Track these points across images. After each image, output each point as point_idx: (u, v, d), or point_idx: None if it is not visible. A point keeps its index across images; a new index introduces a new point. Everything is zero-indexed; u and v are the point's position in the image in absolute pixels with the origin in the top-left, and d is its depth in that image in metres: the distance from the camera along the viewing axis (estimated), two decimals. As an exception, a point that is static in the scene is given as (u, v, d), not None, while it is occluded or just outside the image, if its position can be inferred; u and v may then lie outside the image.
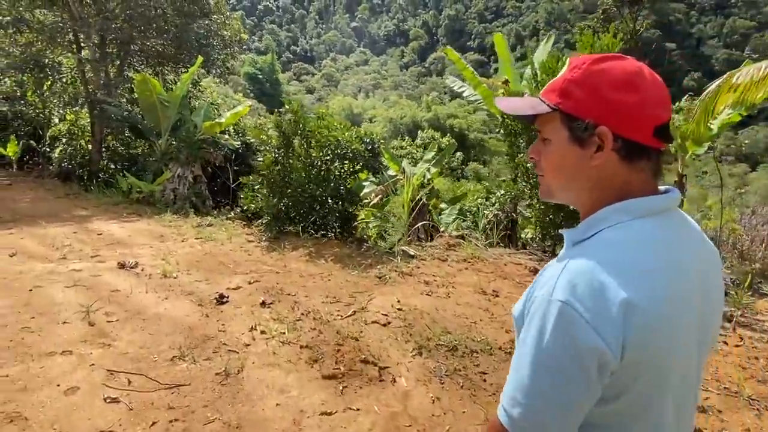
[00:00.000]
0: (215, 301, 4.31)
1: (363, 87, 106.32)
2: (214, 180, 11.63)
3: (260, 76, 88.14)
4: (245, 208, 8.03)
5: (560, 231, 0.91)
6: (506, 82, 8.90)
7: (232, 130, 12.07)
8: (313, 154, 7.03)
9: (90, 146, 14.06)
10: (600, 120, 0.79)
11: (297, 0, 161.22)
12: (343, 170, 7.09)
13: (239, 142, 11.88)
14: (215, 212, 10.58)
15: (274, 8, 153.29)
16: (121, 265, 5.08)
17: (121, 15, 12.01)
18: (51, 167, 14.27)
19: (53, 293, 4.22)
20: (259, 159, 8.17)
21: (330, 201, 6.97)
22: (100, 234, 6.48)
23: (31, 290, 4.25)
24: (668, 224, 0.81)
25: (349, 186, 6.97)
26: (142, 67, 13.48)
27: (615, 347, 0.69)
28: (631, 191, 0.80)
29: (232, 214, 8.81)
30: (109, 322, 3.73)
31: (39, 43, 13.09)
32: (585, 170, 0.82)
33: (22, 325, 3.56)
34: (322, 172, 6.98)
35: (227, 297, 4.39)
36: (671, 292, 0.75)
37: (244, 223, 7.94)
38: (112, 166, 13.64)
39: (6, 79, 14.99)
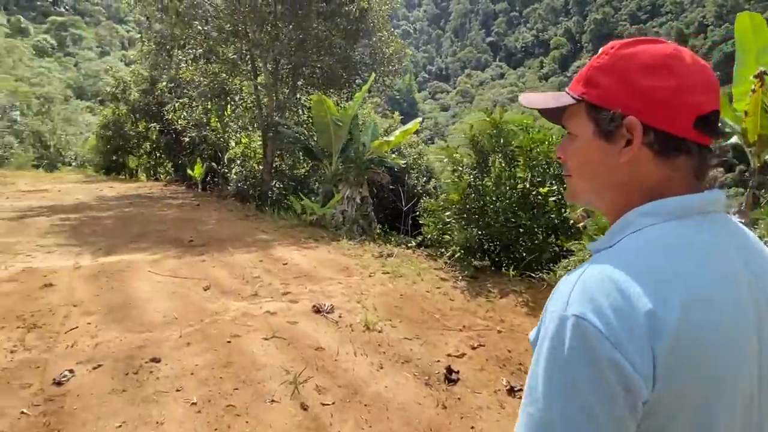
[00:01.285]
0: (444, 378, 3.19)
1: (499, 101, 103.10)
2: (378, 201, 11.03)
3: (398, 96, 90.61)
4: (427, 236, 7.02)
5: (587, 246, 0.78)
6: (763, 74, 6.65)
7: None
8: (519, 175, 5.72)
9: (261, 167, 14.71)
10: (629, 110, 0.66)
11: (434, 21, 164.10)
12: (554, 195, 5.66)
13: (404, 161, 11.16)
14: (381, 235, 9.91)
15: (411, 31, 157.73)
16: (317, 309, 4.29)
17: (295, 38, 12.17)
18: (229, 187, 15.23)
19: (252, 348, 3.50)
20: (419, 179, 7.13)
21: (540, 232, 5.58)
22: (285, 264, 5.93)
23: (229, 342, 3.59)
24: (708, 227, 0.65)
25: (565, 214, 5.51)
26: (311, 89, 13.58)
27: (642, 367, 0.55)
28: (665, 193, 0.66)
29: (413, 243, 7.89)
30: (324, 405, 2.81)
31: (223, 72, 14.01)
32: (613, 168, 0.69)
33: (226, 400, 2.80)
34: (531, 197, 5.63)
35: (456, 373, 3.25)
36: (714, 301, 0.60)
37: (427, 253, 6.92)
38: (279, 185, 14.03)
39: (197, 108, 16.43)
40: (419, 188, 11.72)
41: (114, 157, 19.09)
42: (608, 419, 0.56)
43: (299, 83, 13.69)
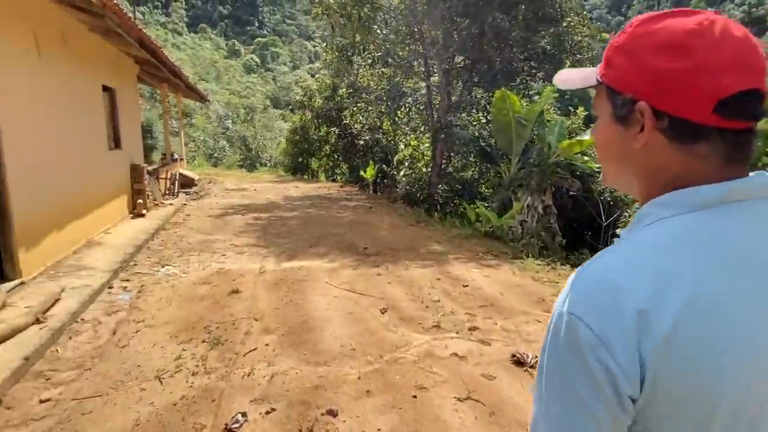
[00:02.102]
0: None
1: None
2: (559, 211, 9.51)
3: (575, 90, 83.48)
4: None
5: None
6: None
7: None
8: None
9: (429, 170, 14.27)
10: (640, 94, 0.61)
11: (614, 7, 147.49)
12: None
13: (598, 165, 9.43)
14: (566, 251, 8.45)
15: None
16: (517, 360, 3.34)
17: (472, 32, 11.30)
18: (398, 189, 15.16)
19: (444, 414, 2.71)
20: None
21: None
22: (466, 286, 5.10)
23: (414, 397, 2.87)
24: (736, 219, 0.58)
25: None
26: (487, 86, 12.55)
27: (628, 367, 0.54)
28: (688, 182, 0.60)
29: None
30: None
31: (398, 75, 13.89)
32: (631, 154, 0.64)
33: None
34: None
35: None
36: (722, 303, 0.55)
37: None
38: (445, 188, 13.36)
39: (372, 111, 16.75)
40: (608, 197, 9.86)
41: (300, 159, 20.74)
42: (602, 416, 0.55)
43: (474, 80, 12.76)
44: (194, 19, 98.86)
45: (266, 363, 3.28)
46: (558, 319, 0.59)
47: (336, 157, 20.08)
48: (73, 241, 6.00)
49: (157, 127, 23.80)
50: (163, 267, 5.67)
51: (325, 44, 18.37)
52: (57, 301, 4.22)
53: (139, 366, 3.21)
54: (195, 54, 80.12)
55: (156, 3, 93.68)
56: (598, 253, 0.63)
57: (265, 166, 28.04)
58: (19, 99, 4.80)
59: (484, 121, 12.05)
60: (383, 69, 13.99)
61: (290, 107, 35.39)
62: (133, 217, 8.49)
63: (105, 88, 7.88)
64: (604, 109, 0.67)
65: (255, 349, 3.49)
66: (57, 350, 3.46)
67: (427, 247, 7.00)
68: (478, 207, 8.62)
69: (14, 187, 4.58)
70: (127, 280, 5.17)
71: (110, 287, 4.93)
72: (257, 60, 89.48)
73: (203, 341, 3.61)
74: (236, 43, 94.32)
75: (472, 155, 11.35)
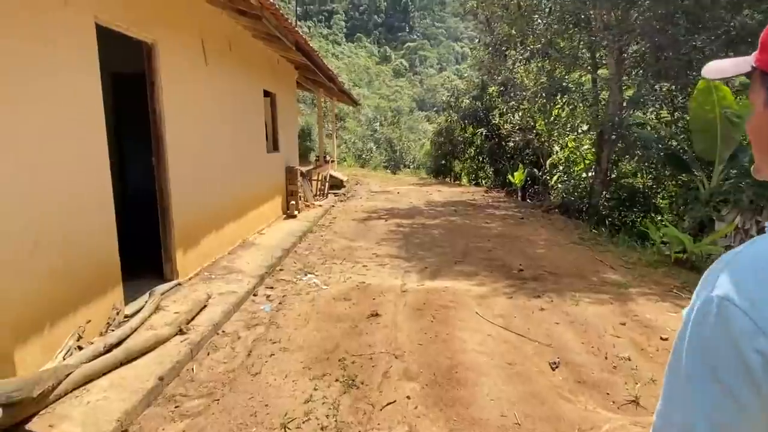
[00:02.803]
0: None
1: None
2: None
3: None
4: None
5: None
6: None
7: None
8: None
9: (590, 175, 12.41)
10: None
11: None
12: None
13: None
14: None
15: None
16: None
17: (659, 12, 9.31)
18: (551, 197, 13.55)
19: None
20: None
21: None
22: (665, 339, 3.80)
23: None
24: None
25: None
26: (675, 76, 10.32)
27: None
28: None
29: None
30: None
31: (559, 68, 12.32)
32: None
33: None
34: None
35: None
36: None
37: None
38: (607, 197, 11.37)
39: (524, 110, 15.33)
40: None
41: (443, 162, 20.13)
42: (752, 406, 0.51)
43: (657, 71, 10.59)
44: (352, 29, 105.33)
45: (407, 427, 2.59)
46: (705, 302, 0.55)
47: (480, 159, 18.98)
48: (230, 241, 6.13)
49: (315, 130, 25.33)
50: (306, 275, 5.43)
51: (476, 40, 17.43)
52: (204, 308, 4.13)
53: (266, 406, 2.78)
54: (351, 62, 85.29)
55: (320, 17, 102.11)
56: (751, 239, 0.59)
57: (408, 167, 28.12)
58: (184, 107, 4.90)
59: (672, 118, 9.89)
60: (542, 62, 12.54)
61: (435, 109, 35.09)
62: (285, 218, 8.68)
63: (266, 93, 8.13)
64: (759, 96, 0.64)
65: (394, 402, 2.83)
66: (192, 368, 3.24)
67: (599, 274, 5.69)
68: (663, 225, 6.90)
69: (176, 188, 4.66)
70: (271, 288, 5.00)
71: (255, 294, 4.78)
72: (406, 64, 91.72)
73: (337, 380, 3.08)
74: (387, 49, 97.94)
75: (652, 160, 9.35)
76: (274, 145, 8.88)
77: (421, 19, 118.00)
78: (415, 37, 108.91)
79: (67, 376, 2.62)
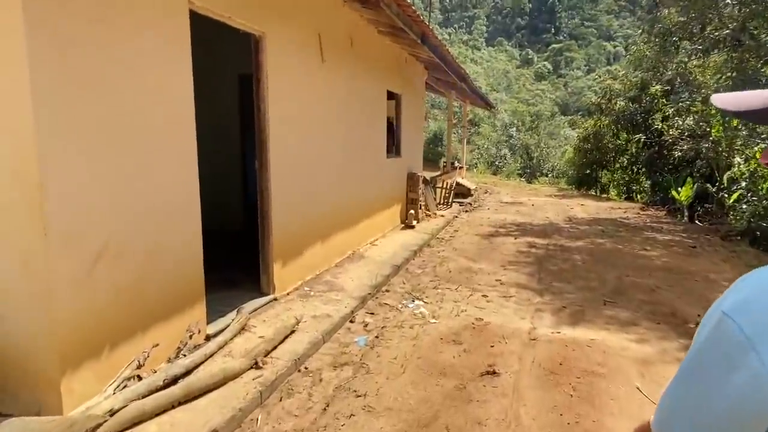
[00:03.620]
0: None
1: None
2: None
3: None
4: None
5: None
6: None
7: None
8: None
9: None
10: None
11: None
12: None
13: None
14: None
15: None
16: None
17: None
18: (730, 220, 10.75)
19: None
20: None
21: None
22: None
23: None
24: None
25: None
26: None
27: None
28: None
29: None
30: None
31: (752, 59, 9.65)
32: None
33: None
34: None
35: None
36: None
37: None
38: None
39: (695, 113, 12.57)
40: None
41: (587, 171, 17.70)
42: (735, 420, 0.53)
43: None
44: (492, 33, 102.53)
45: None
46: (710, 314, 0.58)
47: (635, 170, 16.17)
48: (338, 251, 5.61)
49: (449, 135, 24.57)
50: (413, 301, 4.61)
51: (639, 32, 14.88)
52: (292, 333, 3.56)
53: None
54: (490, 66, 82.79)
55: (461, 24, 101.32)
56: None
57: (546, 176, 25.70)
58: (293, 107, 4.45)
59: None
60: (729, 53, 9.97)
61: (580, 113, 31.68)
62: (402, 228, 8.00)
63: (390, 95, 7.54)
64: None
65: None
66: (257, 420, 2.63)
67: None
68: None
69: (278, 193, 4.22)
70: (371, 314, 4.28)
71: (351, 320, 4.11)
72: (549, 67, 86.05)
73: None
74: (530, 51, 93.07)
75: None
76: (395, 150, 8.27)
77: (569, 19, 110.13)
78: (561, 38, 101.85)
79: (103, 423, 2.16)
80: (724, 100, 0.66)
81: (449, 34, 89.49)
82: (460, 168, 14.64)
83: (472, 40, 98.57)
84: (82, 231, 2.40)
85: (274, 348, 3.30)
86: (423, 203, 8.91)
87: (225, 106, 6.41)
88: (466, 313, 4.34)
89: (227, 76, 6.33)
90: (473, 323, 4.09)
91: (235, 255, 5.12)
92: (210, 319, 3.66)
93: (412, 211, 8.26)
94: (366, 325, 4.02)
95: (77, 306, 2.39)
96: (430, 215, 9.18)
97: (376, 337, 3.79)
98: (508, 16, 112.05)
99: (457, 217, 9.72)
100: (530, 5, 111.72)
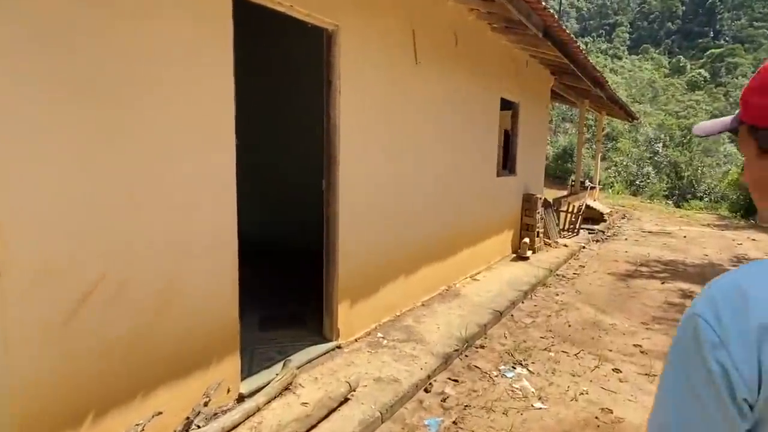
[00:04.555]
0: None
1: None
2: None
3: None
4: None
5: None
6: None
7: None
8: None
9: None
10: None
11: None
12: None
13: None
14: None
15: None
16: None
17: None
18: None
19: None
20: None
21: None
22: None
23: None
24: None
25: None
26: None
27: (746, 371, 0.55)
28: None
29: None
30: None
31: None
32: None
33: None
34: None
35: None
36: None
37: None
38: None
39: None
40: None
41: (760, 197, 14.12)
42: (716, 415, 0.57)
43: None
44: (636, 41, 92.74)
45: None
46: (687, 319, 0.61)
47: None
48: (426, 287, 4.68)
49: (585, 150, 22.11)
50: (513, 368, 3.47)
51: None
52: (342, 404, 2.73)
53: None
54: (632, 76, 74.49)
55: (600, 32, 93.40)
56: (748, 264, 0.65)
57: (700, 200, 21.51)
58: (371, 115, 3.67)
59: None
60: None
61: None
62: (513, 259, 6.75)
63: (505, 104, 6.41)
64: (748, 147, 0.71)
65: None
66: None
67: None
68: None
69: (348, 219, 3.47)
70: (455, 381, 3.26)
71: (427, 389, 3.14)
72: (706, 75, 74.49)
73: None
74: (681, 58, 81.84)
75: None
76: (510, 167, 7.07)
77: (733, 21, 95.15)
78: (723, 41, 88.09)
79: None
80: (697, 129, 0.82)
81: (586, 44, 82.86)
82: (592, 188, 12.59)
83: (612, 49, 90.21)
84: (63, 267, 1.86)
85: (313, 427, 2.49)
86: (541, 230, 7.51)
87: (314, 112, 5.92)
88: (588, 397, 3.08)
89: (316, 80, 5.83)
90: (597, 418, 2.83)
91: (311, 280, 4.50)
92: (254, 368, 3.02)
93: (526, 240, 6.95)
94: (444, 399, 3.02)
95: (48, 364, 1.85)
96: (549, 244, 7.72)
97: (455, 422, 2.77)
98: (656, 21, 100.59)
99: (584, 248, 8.08)
100: (683, 8, 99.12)
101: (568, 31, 5.23)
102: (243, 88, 2.83)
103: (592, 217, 10.66)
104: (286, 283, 4.92)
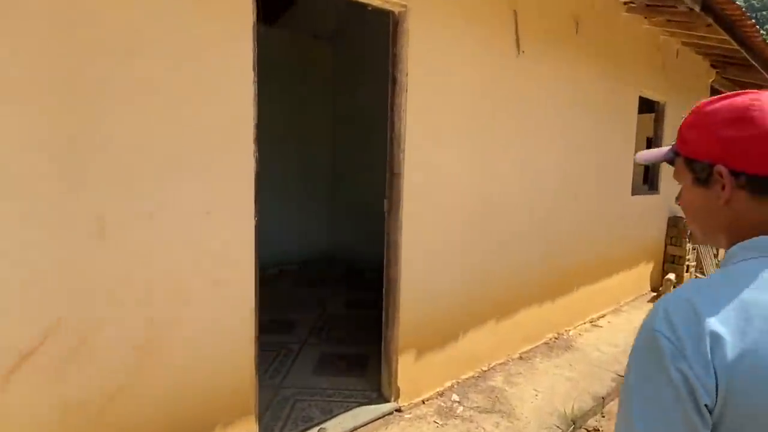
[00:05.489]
0: None
1: None
2: None
3: None
4: None
5: None
6: None
7: None
8: None
9: None
10: (716, 159, 0.72)
11: None
12: None
13: None
14: None
15: None
16: None
17: None
18: None
19: None
20: None
21: None
22: None
23: None
24: None
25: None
26: None
27: (704, 377, 0.59)
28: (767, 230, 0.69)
29: None
30: None
31: None
32: (715, 211, 0.75)
33: None
34: None
35: None
36: None
37: None
38: None
39: None
40: None
41: None
42: (679, 422, 0.60)
43: None
44: (830, 27, 75.01)
45: None
46: (646, 334, 0.64)
47: None
48: (526, 334, 3.69)
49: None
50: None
51: None
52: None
53: None
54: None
55: (776, 21, 77.97)
56: (690, 280, 0.69)
57: None
58: (451, 121, 2.90)
59: None
60: None
61: None
62: (652, 300, 5.28)
63: (645, 105, 5.06)
64: (685, 177, 0.77)
65: None
66: None
67: None
68: None
69: (413, 251, 2.74)
70: (551, 486, 2.29)
71: (507, 493, 2.24)
72: None
73: None
74: None
75: None
76: (651, 183, 5.60)
77: None
78: None
79: None
80: (638, 157, 0.91)
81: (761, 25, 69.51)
82: None
83: (794, 40, 74.15)
84: (2, 307, 1.48)
85: None
86: (692, 263, 5.84)
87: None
88: None
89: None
90: None
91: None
92: (289, 429, 2.44)
93: (671, 276, 5.40)
94: None
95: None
96: (704, 282, 5.97)
97: None
98: None
99: (756, 289, 6.11)
100: None
101: (738, 4, 3.82)
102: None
103: None
104: (365, 312, 4.33)
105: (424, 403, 2.87)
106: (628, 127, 4.77)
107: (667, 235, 5.80)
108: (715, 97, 0.75)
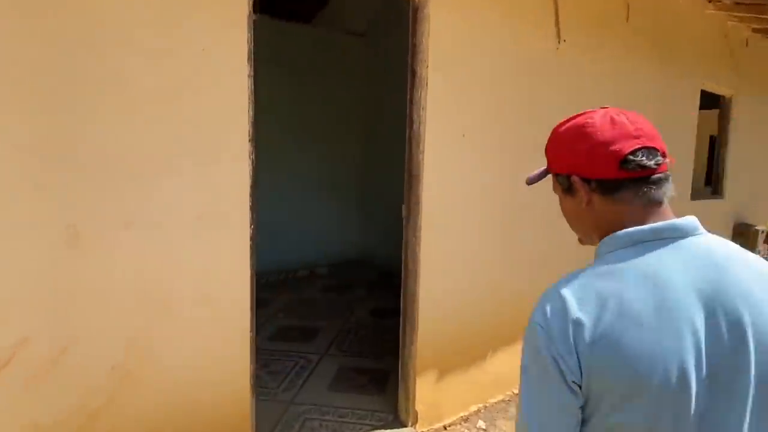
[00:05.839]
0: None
1: None
2: None
3: None
4: None
5: None
6: None
7: None
8: None
9: None
10: (571, 170, 0.83)
11: None
12: None
13: None
14: None
15: None
16: None
17: None
18: None
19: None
20: None
21: None
22: None
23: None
24: (657, 252, 0.74)
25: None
26: None
27: (569, 360, 0.69)
28: (624, 223, 0.78)
29: None
30: None
31: None
32: (583, 214, 0.84)
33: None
34: None
35: None
36: (639, 316, 0.68)
37: None
38: None
39: None
40: None
41: None
42: (555, 395, 0.69)
43: None
44: None
45: None
46: (529, 324, 0.74)
47: None
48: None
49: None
50: None
51: None
52: None
53: None
54: None
55: None
56: (567, 274, 0.77)
57: None
58: (475, 119, 2.60)
59: None
60: None
61: None
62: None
63: (708, 100, 4.51)
64: (557, 189, 0.87)
65: None
66: None
67: None
68: None
69: (433, 256, 2.48)
70: None
71: None
72: None
73: None
74: None
75: None
76: (714, 187, 5.01)
77: None
78: None
79: None
80: (528, 178, 0.94)
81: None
82: None
83: None
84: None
85: None
86: (764, 277, 5.16)
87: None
88: None
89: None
90: None
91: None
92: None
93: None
94: None
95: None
96: None
97: None
98: None
99: None
100: None
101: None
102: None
103: None
104: (390, 322, 4.08)
105: (446, 429, 2.59)
106: (687, 125, 4.25)
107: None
108: (567, 118, 0.84)
